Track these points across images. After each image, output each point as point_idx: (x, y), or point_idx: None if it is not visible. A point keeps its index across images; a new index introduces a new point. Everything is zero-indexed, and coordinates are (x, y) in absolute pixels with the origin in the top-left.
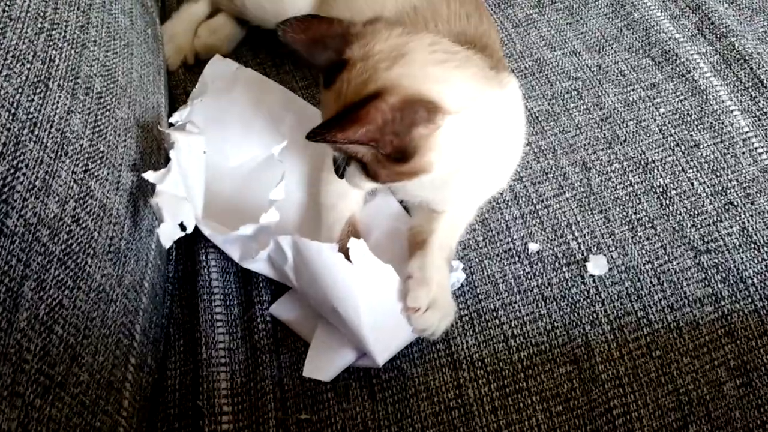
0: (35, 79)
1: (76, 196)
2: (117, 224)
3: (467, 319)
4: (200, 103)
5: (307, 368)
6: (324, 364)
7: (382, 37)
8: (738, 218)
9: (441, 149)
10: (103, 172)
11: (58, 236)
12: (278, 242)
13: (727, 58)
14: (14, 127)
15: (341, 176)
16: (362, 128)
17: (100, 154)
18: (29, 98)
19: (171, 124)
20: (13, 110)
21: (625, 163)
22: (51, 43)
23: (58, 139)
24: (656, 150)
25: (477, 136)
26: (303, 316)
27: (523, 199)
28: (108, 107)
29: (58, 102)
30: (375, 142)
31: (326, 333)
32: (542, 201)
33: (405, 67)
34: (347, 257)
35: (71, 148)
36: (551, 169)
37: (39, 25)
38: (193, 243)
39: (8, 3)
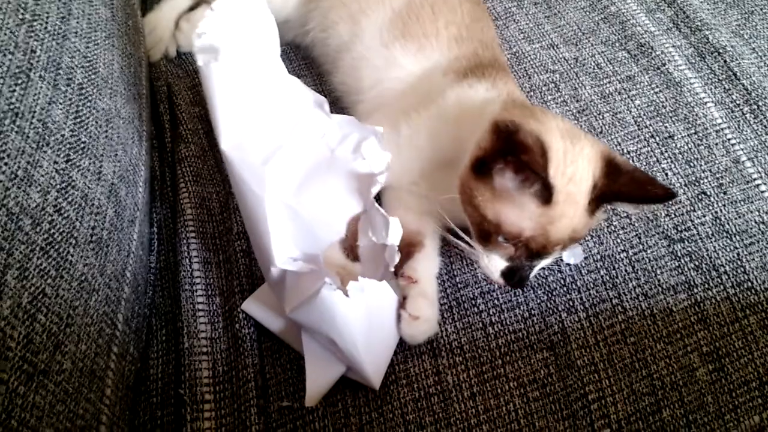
0: (17, 70)
1: (58, 186)
2: (99, 214)
3: (447, 307)
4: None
5: (308, 398)
6: (321, 389)
7: None
8: (711, 208)
9: None
10: (84, 163)
11: (41, 226)
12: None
13: (702, 51)
14: None
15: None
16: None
17: (82, 145)
18: (11, 89)
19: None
20: None
21: None
22: (32, 34)
23: (40, 130)
24: (632, 141)
25: None
26: (273, 315)
27: None
28: (89, 98)
29: (39, 93)
30: None
31: (316, 356)
32: None
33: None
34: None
35: (53, 138)
36: None
37: (20, 17)
38: (174, 234)
39: None
